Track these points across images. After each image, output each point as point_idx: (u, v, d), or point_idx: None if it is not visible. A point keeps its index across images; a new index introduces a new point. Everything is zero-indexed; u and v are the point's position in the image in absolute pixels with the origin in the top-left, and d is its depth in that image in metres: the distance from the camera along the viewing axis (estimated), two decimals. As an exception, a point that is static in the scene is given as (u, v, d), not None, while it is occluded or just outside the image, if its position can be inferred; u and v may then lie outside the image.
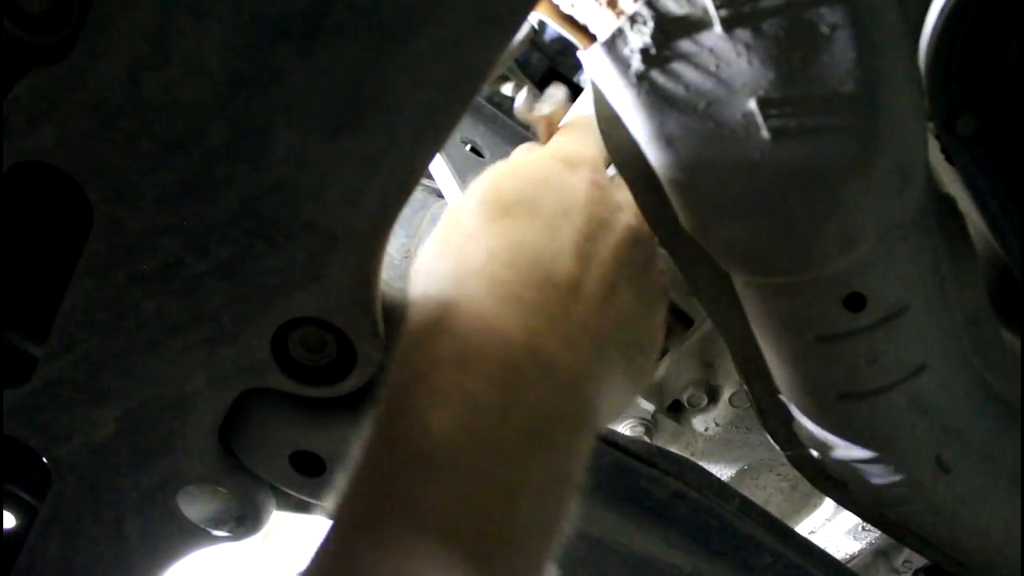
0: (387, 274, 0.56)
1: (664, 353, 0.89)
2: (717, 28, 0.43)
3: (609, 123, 0.51)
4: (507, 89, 1.25)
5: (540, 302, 0.45)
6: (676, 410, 0.92)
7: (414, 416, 0.41)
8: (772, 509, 0.97)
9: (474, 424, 0.40)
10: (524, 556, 0.40)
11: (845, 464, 0.61)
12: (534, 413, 0.42)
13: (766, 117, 0.44)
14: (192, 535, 0.67)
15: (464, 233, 0.50)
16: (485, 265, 0.46)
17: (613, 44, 0.45)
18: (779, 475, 1.04)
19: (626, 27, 0.44)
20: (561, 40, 1.18)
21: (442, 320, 0.44)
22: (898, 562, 1.01)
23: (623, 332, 0.50)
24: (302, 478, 0.64)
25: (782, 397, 0.60)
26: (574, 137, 0.59)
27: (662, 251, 0.56)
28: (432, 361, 0.43)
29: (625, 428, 0.90)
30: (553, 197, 0.50)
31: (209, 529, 0.68)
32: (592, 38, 0.50)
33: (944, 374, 0.56)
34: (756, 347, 0.57)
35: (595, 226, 0.50)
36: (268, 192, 0.49)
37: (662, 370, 0.88)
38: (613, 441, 0.64)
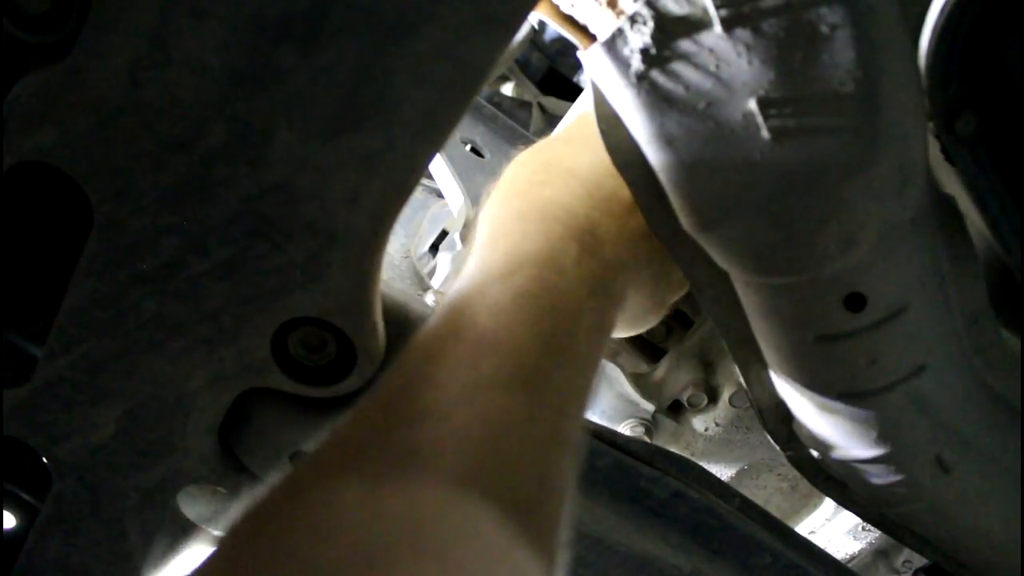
0: (387, 274, 0.56)
1: (664, 353, 0.89)
2: (717, 28, 0.43)
3: (609, 123, 0.51)
4: (507, 89, 1.26)
5: (591, 197, 0.55)
6: (676, 410, 0.92)
7: (510, 241, 0.51)
8: (772, 509, 0.97)
9: (551, 256, 0.50)
10: (575, 351, 0.48)
11: (845, 464, 0.61)
12: (592, 270, 0.51)
13: (766, 117, 0.44)
14: (192, 535, 0.67)
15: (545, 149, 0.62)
16: (566, 168, 0.57)
17: (613, 44, 0.45)
18: (779, 475, 1.04)
19: (626, 27, 0.44)
20: (561, 40, 1.18)
21: (525, 193, 0.56)
22: (898, 562, 1.01)
23: (659, 260, 0.58)
24: (302, 478, 0.64)
25: (782, 397, 0.60)
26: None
27: None
28: (516, 212, 0.53)
29: (625, 428, 0.90)
30: (593, 146, 0.58)
31: (209, 529, 0.68)
32: (592, 38, 0.50)
33: (944, 374, 0.56)
34: (756, 347, 0.57)
35: None
36: (268, 192, 0.49)
37: (662, 370, 0.88)
38: (613, 441, 0.64)
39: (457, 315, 0.47)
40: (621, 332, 0.66)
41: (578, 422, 0.47)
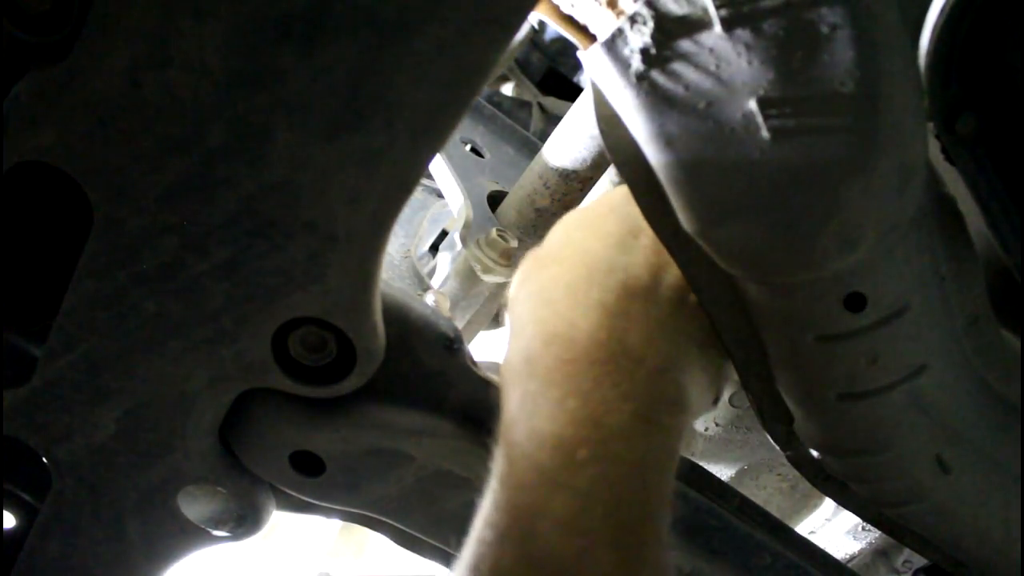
0: (387, 274, 0.56)
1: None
2: (717, 28, 0.43)
3: (609, 123, 0.51)
4: (507, 89, 1.26)
5: (620, 307, 0.51)
6: (676, 410, 0.92)
7: (539, 424, 0.48)
8: (772, 509, 0.97)
9: (599, 419, 0.47)
10: (654, 524, 0.46)
11: (845, 464, 0.61)
12: (640, 399, 0.48)
13: (766, 117, 0.44)
14: (192, 535, 0.68)
15: (543, 262, 0.57)
16: (568, 281, 0.53)
17: (613, 44, 0.45)
18: (779, 475, 1.04)
19: (626, 27, 0.44)
20: (561, 40, 1.18)
21: (542, 332, 0.51)
22: (898, 562, 1.01)
23: (698, 329, 0.55)
24: (302, 478, 0.64)
25: (782, 397, 0.60)
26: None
27: None
28: (544, 375, 0.49)
29: (625, 428, 0.90)
30: (620, 221, 0.57)
31: (209, 529, 0.68)
32: (592, 38, 0.50)
33: (944, 374, 0.56)
34: (756, 347, 0.57)
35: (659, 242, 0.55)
36: (268, 192, 0.49)
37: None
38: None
39: (523, 544, 0.45)
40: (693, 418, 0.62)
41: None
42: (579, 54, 0.50)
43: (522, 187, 0.81)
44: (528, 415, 0.49)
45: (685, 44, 0.44)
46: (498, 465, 0.49)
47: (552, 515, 0.44)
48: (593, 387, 0.48)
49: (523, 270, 0.58)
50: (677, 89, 0.45)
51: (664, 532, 0.47)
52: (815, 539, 1.01)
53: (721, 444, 0.97)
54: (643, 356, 0.50)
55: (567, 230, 0.59)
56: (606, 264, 0.54)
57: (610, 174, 0.79)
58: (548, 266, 0.56)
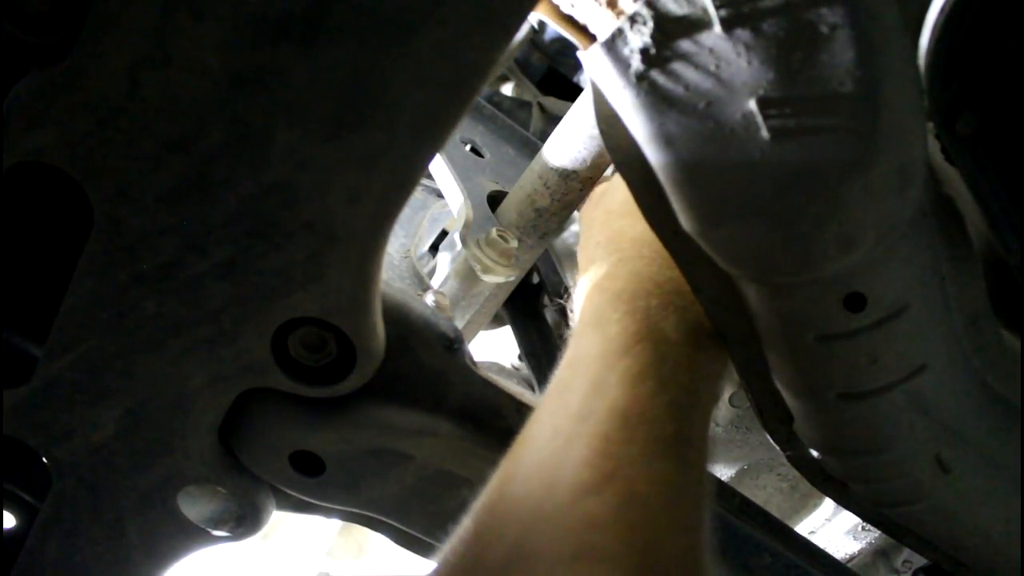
0: (387, 274, 0.56)
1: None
2: (717, 28, 0.43)
3: (609, 123, 0.51)
4: (507, 89, 1.26)
5: (671, 261, 0.58)
6: (676, 410, 0.92)
7: (606, 327, 0.55)
8: (772, 509, 0.97)
9: (658, 328, 0.55)
10: (699, 410, 0.53)
11: (845, 464, 0.61)
12: (691, 327, 0.57)
13: (766, 117, 0.44)
14: (192, 535, 0.68)
15: (616, 213, 0.69)
16: (634, 236, 0.64)
17: (613, 44, 0.45)
18: (779, 475, 1.04)
19: (626, 27, 0.44)
20: (561, 40, 1.18)
21: (614, 272, 0.61)
22: (898, 562, 1.01)
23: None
24: (301, 478, 0.64)
25: (782, 397, 0.60)
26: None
27: None
28: (613, 296, 0.58)
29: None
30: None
31: (209, 529, 0.68)
32: (592, 38, 0.50)
33: (944, 374, 0.56)
34: (756, 347, 0.57)
35: None
36: (268, 192, 0.49)
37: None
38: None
39: (591, 390, 0.51)
40: None
41: (708, 471, 0.53)
42: (579, 54, 0.50)
43: (522, 187, 0.81)
44: (599, 320, 0.56)
45: (685, 44, 0.44)
46: (567, 356, 0.57)
47: (618, 372, 0.52)
48: (655, 308, 0.57)
49: (594, 211, 0.71)
50: (677, 89, 0.45)
51: (708, 425, 0.55)
52: (815, 539, 1.02)
53: (721, 444, 0.97)
54: (694, 300, 0.57)
55: (607, 214, 0.69)
56: (635, 262, 0.62)
57: (610, 174, 0.79)
58: (615, 219, 0.67)
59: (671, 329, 0.56)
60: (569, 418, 0.50)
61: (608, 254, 0.64)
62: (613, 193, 0.72)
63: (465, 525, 0.48)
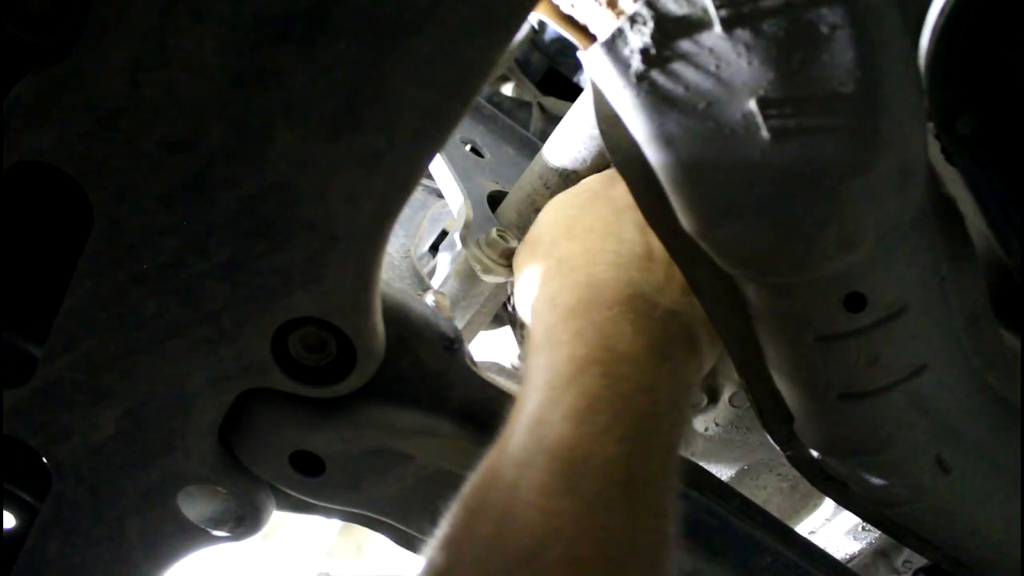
0: (387, 274, 0.56)
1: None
2: (717, 28, 0.43)
3: (609, 123, 0.51)
4: (507, 89, 1.25)
5: (633, 264, 0.57)
6: (676, 410, 0.92)
7: (557, 349, 0.51)
8: (772, 509, 0.97)
9: (613, 346, 0.51)
10: (660, 438, 0.49)
11: (845, 464, 0.61)
12: (654, 335, 0.52)
13: (766, 117, 0.44)
14: (192, 535, 0.67)
15: (553, 245, 0.62)
16: (584, 249, 0.59)
17: (613, 44, 0.45)
18: (779, 475, 1.04)
19: (626, 27, 0.44)
20: (561, 40, 1.18)
21: (565, 283, 0.57)
22: (898, 562, 1.01)
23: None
24: (302, 478, 0.64)
25: (782, 397, 0.60)
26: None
27: None
28: (566, 311, 0.54)
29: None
30: (608, 202, 0.63)
31: (209, 529, 0.68)
32: (592, 38, 0.50)
33: (944, 374, 0.56)
34: (756, 347, 0.57)
35: None
36: (268, 192, 0.49)
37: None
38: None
39: (533, 433, 0.47)
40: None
41: (672, 510, 0.48)
42: (579, 54, 0.50)
43: (522, 187, 0.81)
44: (548, 343, 0.52)
45: (685, 44, 0.44)
46: (522, 382, 0.53)
47: (563, 408, 0.47)
48: (610, 321, 0.52)
49: (525, 257, 0.64)
50: (677, 89, 0.45)
51: (673, 454, 0.50)
52: (815, 539, 1.01)
53: (721, 444, 0.97)
54: (657, 301, 0.54)
55: (560, 214, 0.64)
56: (614, 235, 0.59)
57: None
58: (561, 242, 0.61)
59: (627, 343, 0.51)
60: (512, 467, 0.46)
61: (559, 268, 0.59)
62: (549, 225, 0.66)
63: None
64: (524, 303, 0.62)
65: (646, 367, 0.50)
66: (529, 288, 0.61)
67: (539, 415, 0.47)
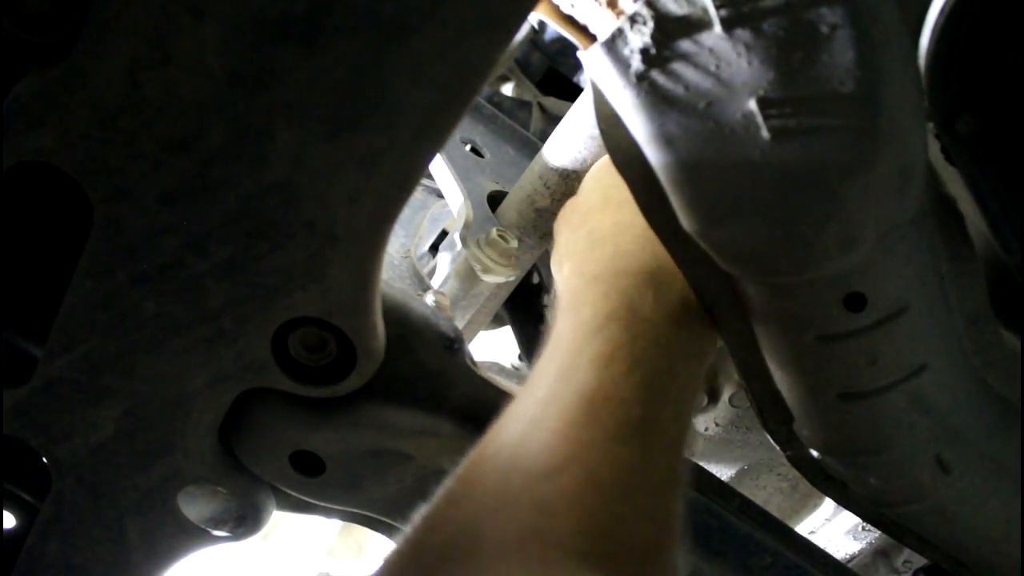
0: (387, 274, 0.56)
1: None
2: (717, 28, 0.43)
3: (609, 123, 0.51)
4: (507, 89, 1.25)
5: (656, 237, 0.57)
6: (676, 410, 0.92)
7: (581, 309, 0.55)
8: (772, 509, 0.97)
9: (635, 307, 0.54)
10: (673, 393, 0.52)
11: (845, 464, 0.61)
12: (672, 305, 0.55)
13: (766, 117, 0.44)
14: (192, 535, 0.68)
15: (590, 212, 0.67)
16: (614, 221, 0.62)
17: (613, 44, 0.45)
18: (779, 475, 1.04)
19: (626, 27, 0.44)
20: (561, 40, 1.18)
21: (593, 254, 0.61)
22: (898, 562, 1.01)
23: None
24: (302, 478, 0.64)
25: (782, 397, 0.60)
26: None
27: None
28: (591, 277, 0.58)
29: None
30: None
31: (209, 529, 0.68)
32: (592, 38, 0.50)
33: (944, 374, 0.56)
34: (756, 347, 0.57)
35: None
36: (268, 192, 0.49)
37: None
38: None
39: (559, 375, 0.50)
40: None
41: (683, 457, 0.51)
42: (579, 54, 0.50)
43: (522, 187, 0.81)
44: (575, 304, 0.55)
45: (685, 44, 0.44)
46: (547, 341, 0.55)
47: (588, 354, 0.51)
48: (633, 287, 0.55)
49: (563, 224, 0.68)
50: (677, 89, 0.45)
51: (686, 409, 0.53)
52: (815, 539, 1.01)
53: (721, 444, 0.97)
54: (678, 276, 0.56)
55: (600, 184, 0.68)
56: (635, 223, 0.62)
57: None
58: (594, 214, 0.65)
59: (648, 307, 0.54)
60: (536, 403, 0.49)
61: (588, 240, 0.63)
62: (588, 194, 0.71)
63: (421, 510, 0.47)
64: (557, 268, 0.66)
65: (663, 329, 0.54)
66: (562, 256, 0.65)
67: (566, 362, 0.51)
